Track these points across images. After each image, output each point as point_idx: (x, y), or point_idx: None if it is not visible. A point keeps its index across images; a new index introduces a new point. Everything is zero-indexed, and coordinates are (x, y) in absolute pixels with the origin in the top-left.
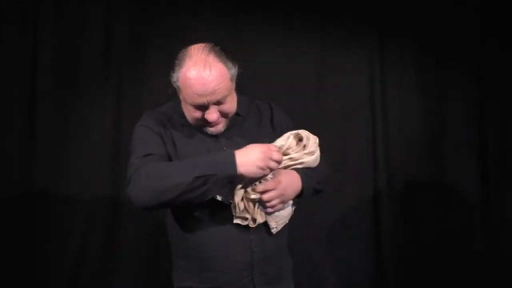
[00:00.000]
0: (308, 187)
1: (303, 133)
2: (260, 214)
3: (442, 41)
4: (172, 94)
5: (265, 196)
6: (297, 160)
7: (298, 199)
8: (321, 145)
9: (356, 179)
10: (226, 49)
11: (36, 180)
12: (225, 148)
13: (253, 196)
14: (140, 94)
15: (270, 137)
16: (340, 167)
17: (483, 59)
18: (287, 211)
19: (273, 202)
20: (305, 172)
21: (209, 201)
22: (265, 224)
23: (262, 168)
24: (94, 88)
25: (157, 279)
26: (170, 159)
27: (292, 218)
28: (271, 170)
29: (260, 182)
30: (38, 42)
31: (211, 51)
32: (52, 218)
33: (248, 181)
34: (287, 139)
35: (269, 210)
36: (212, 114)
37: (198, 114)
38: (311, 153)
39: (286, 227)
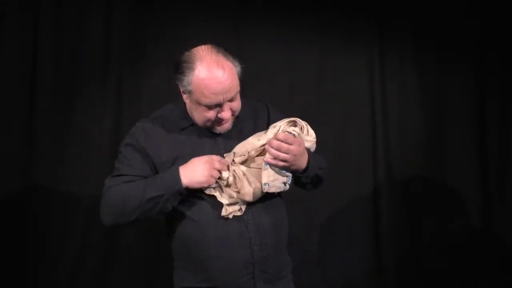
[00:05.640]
0: (312, 166)
1: (297, 120)
2: (250, 185)
3: (442, 41)
4: (171, 94)
5: (275, 143)
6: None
7: (300, 174)
8: (319, 142)
9: (356, 179)
10: (227, 49)
11: (36, 180)
12: (222, 150)
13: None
14: (140, 94)
15: None
16: (340, 166)
17: (483, 59)
18: (284, 179)
19: (281, 155)
20: (310, 153)
21: (204, 201)
22: (264, 222)
23: (206, 178)
24: (94, 88)
25: (157, 279)
26: (155, 172)
27: (292, 218)
28: (217, 178)
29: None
30: (38, 42)
31: (218, 51)
32: (52, 218)
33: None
34: (282, 125)
35: (270, 160)
36: (226, 112)
37: (211, 114)
38: (312, 137)
39: (285, 226)
